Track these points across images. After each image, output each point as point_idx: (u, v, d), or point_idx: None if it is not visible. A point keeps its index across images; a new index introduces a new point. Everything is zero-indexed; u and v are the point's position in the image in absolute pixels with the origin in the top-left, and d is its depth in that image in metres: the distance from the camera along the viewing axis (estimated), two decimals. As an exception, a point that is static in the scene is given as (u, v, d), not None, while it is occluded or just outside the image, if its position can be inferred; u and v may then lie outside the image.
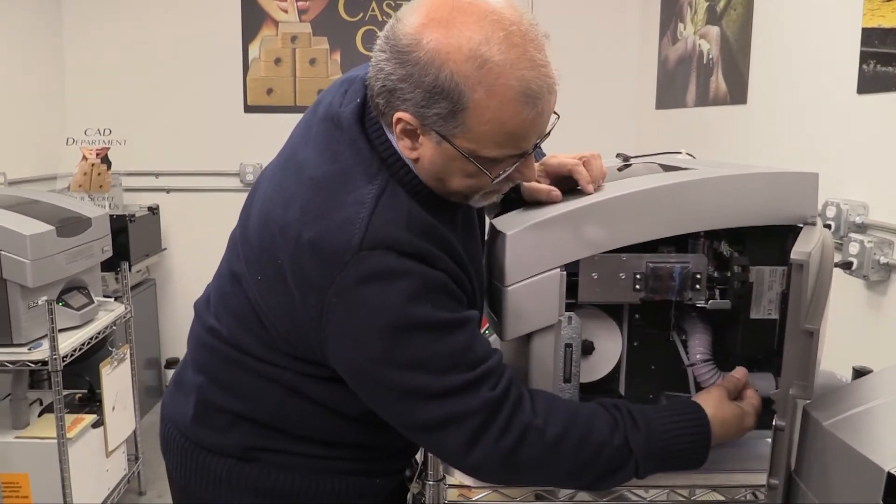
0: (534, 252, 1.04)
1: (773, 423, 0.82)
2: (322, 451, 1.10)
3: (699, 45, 3.13)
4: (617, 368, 1.19)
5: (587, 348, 1.14)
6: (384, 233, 0.92)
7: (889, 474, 0.65)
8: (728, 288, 1.12)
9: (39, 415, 2.54)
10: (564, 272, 1.05)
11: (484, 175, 0.96)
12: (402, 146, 0.96)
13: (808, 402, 0.82)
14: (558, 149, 1.20)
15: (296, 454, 1.09)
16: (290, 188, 1.00)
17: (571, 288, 1.08)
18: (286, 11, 3.82)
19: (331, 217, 0.93)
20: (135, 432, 2.86)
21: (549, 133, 0.98)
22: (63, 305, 2.38)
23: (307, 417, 1.08)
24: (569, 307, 1.08)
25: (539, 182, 1.12)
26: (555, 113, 0.97)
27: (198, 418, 1.13)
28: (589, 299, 1.09)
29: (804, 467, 0.81)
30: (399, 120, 0.93)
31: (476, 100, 0.88)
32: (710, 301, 1.12)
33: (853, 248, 1.92)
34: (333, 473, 1.11)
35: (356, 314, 0.92)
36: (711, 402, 1.05)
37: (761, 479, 0.88)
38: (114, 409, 2.62)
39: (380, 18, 3.84)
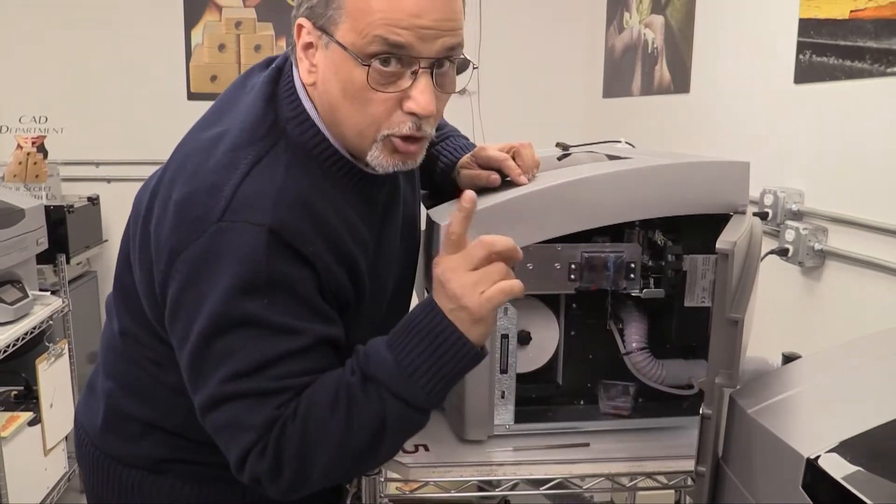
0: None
1: (700, 412, 0.82)
2: None
3: (644, 35, 3.16)
4: (554, 358, 1.19)
5: (524, 339, 1.14)
6: (249, 204, 0.84)
7: (808, 460, 0.66)
8: (662, 277, 1.13)
9: (-28, 413, 2.45)
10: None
11: (371, 93, 0.86)
12: (303, 70, 0.91)
13: (734, 389, 0.83)
14: (509, 137, 1.18)
15: (210, 465, 1.00)
16: (175, 153, 0.95)
17: (507, 278, 1.07)
18: (230, -4, 3.73)
19: (200, 179, 0.87)
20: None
21: (449, 59, 0.89)
22: (-6, 300, 2.29)
23: None
24: (505, 297, 1.08)
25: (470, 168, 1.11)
26: (471, 62, 0.95)
27: (107, 426, 1.07)
28: (525, 290, 1.09)
29: (730, 454, 0.82)
30: (299, 29, 0.90)
31: None
32: (645, 290, 1.13)
33: (789, 235, 1.96)
34: None
35: (192, 288, 0.84)
36: (434, 288, 0.88)
37: (691, 465, 0.89)
38: (52, 405, 2.54)
39: (326, 5, 3.78)
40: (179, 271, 0.86)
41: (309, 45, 0.89)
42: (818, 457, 0.66)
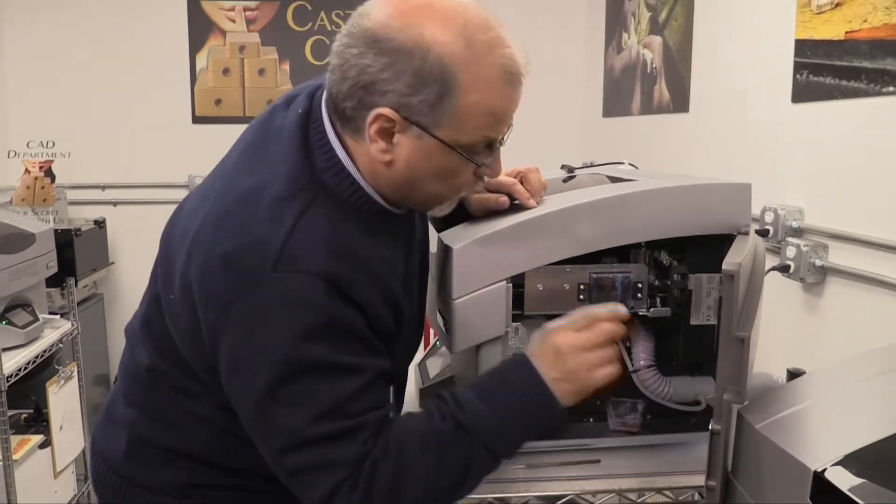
0: (480, 265, 1.06)
1: (710, 427, 0.85)
2: (263, 485, 1.02)
3: (643, 55, 3.21)
4: (564, 376, 1.22)
5: (535, 358, 1.17)
6: (302, 254, 0.87)
7: (815, 473, 0.69)
8: (668, 296, 1.16)
9: (-17, 437, 2.47)
10: (511, 284, 1.08)
11: (461, 170, 0.94)
12: (374, 150, 0.91)
13: (741, 405, 0.86)
14: (510, 157, 1.21)
15: (236, 488, 1.04)
16: (209, 200, 0.95)
17: (518, 299, 1.10)
18: (234, 21, 3.79)
19: (248, 231, 0.89)
20: (84, 452, 2.80)
21: (511, 126, 0.97)
22: (6, 324, 2.32)
23: (242, 453, 0.99)
24: (515, 318, 1.11)
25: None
26: None
27: (131, 454, 1.07)
28: (535, 310, 1.12)
29: (739, 468, 0.85)
30: (378, 117, 0.89)
31: (464, 81, 0.87)
32: (652, 309, 1.16)
33: (790, 252, 1.99)
34: None
35: (252, 339, 0.87)
36: (539, 350, 0.96)
37: (701, 480, 0.92)
38: (61, 428, 2.56)
39: (329, 28, 3.84)
40: (234, 323, 0.87)
41: (386, 131, 0.90)
42: (825, 469, 0.68)
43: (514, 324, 1.10)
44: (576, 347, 0.93)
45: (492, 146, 0.94)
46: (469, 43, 0.86)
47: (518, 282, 1.09)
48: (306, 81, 1.09)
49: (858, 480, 0.67)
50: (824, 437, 0.78)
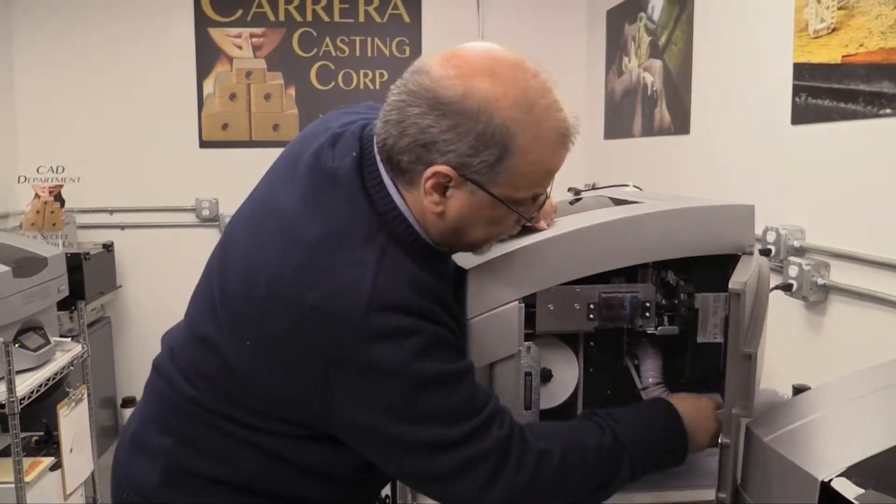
0: (493, 286, 1.09)
1: (719, 441, 0.88)
2: None
3: (643, 78, 3.26)
4: (574, 394, 1.25)
5: (546, 376, 1.20)
6: (390, 294, 0.91)
7: (822, 483, 0.72)
8: (676, 314, 1.19)
9: (-6, 459, 2.49)
10: (523, 304, 1.11)
11: (507, 219, 0.99)
12: (428, 202, 0.96)
13: (749, 419, 0.89)
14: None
15: None
16: (275, 247, 0.96)
17: (529, 319, 1.13)
18: (241, 48, 3.86)
19: (333, 279, 0.92)
20: (93, 474, 2.81)
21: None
22: (19, 347, 2.35)
23: (291, 479, 1.03)
24: (527, 337, 1.14)
25: None
26: None
27: (167, 484, 1.06)
28: (546, 329, 1.15)
29: (748, 481, 0.88)
30: (435, 174, 0.93)
31: (522, 144, 0.91)
32: (660, 327, 1.19)
33: (792, 271, 2.02)
34: None
35: (367, 375, 0.91)
36: (677, 398, 1.13)
37: (712, 494, 0.95)
38: (71, 450, 2.58)
39: (333, 54, 3.90)
40: (344, 369, 0.91)
41: (442, 185, 0.95)
42: (831, 479, 0.71)
43: (526, 343, 1.13)
44: (714, 420, 1.08)
45: (537, 198, 1.00)
46: (529, 108, 0.91)
47: (530, 301, 1.12)
48: (339, 109, 1.14)
49: (864, 489, 0.70)
50: (830, 449, 0.81)
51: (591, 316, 1.16)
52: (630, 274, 1.19)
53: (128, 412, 3.87)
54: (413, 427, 0.93)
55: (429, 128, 0.91)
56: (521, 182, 0.95)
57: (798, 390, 1.09)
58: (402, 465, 0.97)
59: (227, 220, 3.93)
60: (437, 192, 0.95)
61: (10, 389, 2.19)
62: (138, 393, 4.27)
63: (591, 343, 1.24)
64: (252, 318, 0.96)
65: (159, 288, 3.92)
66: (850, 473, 0.72)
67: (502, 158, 0.91)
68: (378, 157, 0.98)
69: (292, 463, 1.02)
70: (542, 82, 0.93)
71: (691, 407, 1.10)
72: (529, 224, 1.04)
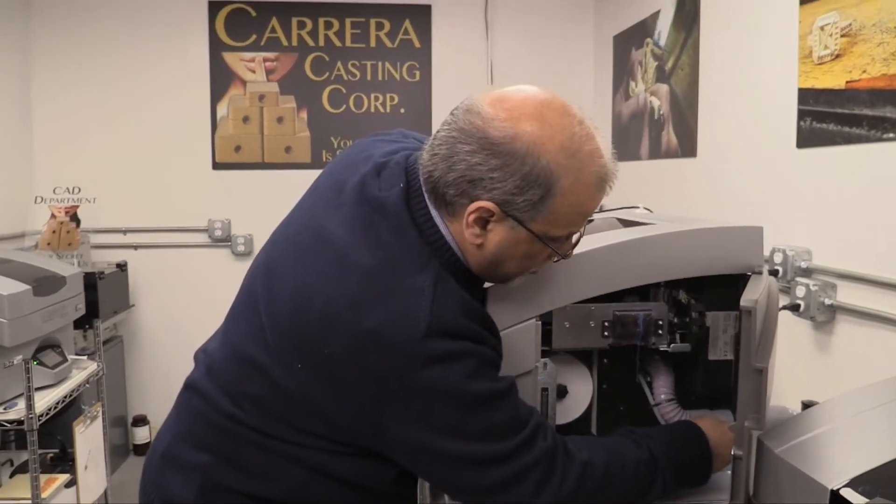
0: (512, 304, 1.13)
1: (732, 453, 0.92)
2: None
3: (650, 102, 3.32)
4: (589, 410, 1.28)
5: (561, 392, 1.24)
6: (444, 320, 0.96)
7: (832, 492, 0.75)
8: (687, 332, 1.23)
9: (11, 476, 2.52)
10: (539, 322, 1.15)
11: (543, 255, 1.04)
12: (469, 234, 1.00)
13: (761, 432, 0.92)
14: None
15: None
16: (328, 274, 1.00)
17: (546, 336, 1.17)
18: (254, 72, 3.93)
19: (390, 306, 0.96)
20: (106, 491, 2.84)
21: None
22: (38, 364, 2.39)
23: (327, 495, 1.06)
24: (544, 354, 1.17)
25: None
26: None
27: (201, 500, 1.08)
28: (562, 346, 1.19)
29: (760, 491, 0.91)
30: (479, 208, 0.97)
31: (564, 186, 0.96)
32: (672, 345, 1.23)
33: (800, 292, 2.05)
34: None
35: (423, 396, 0.96)
36: (701, 420, 1.16)
37: (724, 506, 0.98)
38: (86, 468, 2.61)
39: (345, 78, 3.98)
40: (399, 392, 0.96)
41: (484, 219, 0.99)
42: (840, 488, 0.75)
43: (543, 359, 1.17)
44: (730, 442, 1.08)
45: (571, 236, 1.05)
46: (574, 153, 0.96)
47: (546, 319, 1.16)
48: (373, 136, 1.18)
49: (872, 497, 0.73)
50: (839, 459, 0.84)
51: (606, 333, 1.19)
52: (643, 293, 1.23)
53: (139, 431, 3.90)
54: (465, 444, 0.97)
55: (477, 165, 0.96)
56: (560, 221, 0.99)
57: (807, 406, 1.12)
58: (454, 480, 1.01)
59: (239, 240, 4.00)
60: (479, 225, 0.99)
61: (30, 406, 2.23)
62: (149, 411, 4.28)
63: (605, 360, 1.28)
64: (304, 341, 0.99)
65: (171, 307, 3.97)
66: (859, 482, 0.75)
67: (544, 198, 0.96)
68: (423, 188, 1.03)
69: (333, 477, 1.05)
70: (586, 129, 0.98)
71: (713, 430, 1.14)
72: (562, 260, 1.08)
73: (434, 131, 1.03)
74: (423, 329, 0.94)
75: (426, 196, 1.03)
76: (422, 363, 0.94)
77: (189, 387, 1.16)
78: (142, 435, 3.91)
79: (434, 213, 1.03)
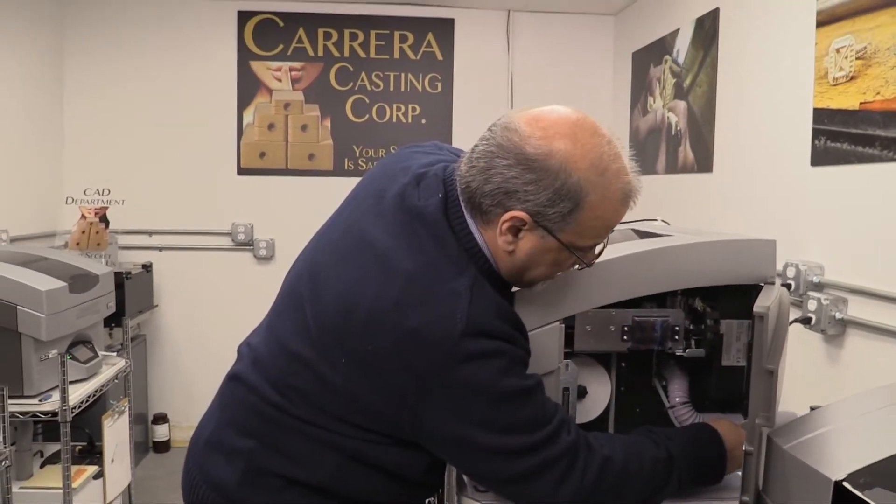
0: (536, 307, 1.20)
1: (744, 449, 0.98)
2: None
3: (668, 118, 3.39)
4: (606, 411, 1.35)
5: (581, 392, 1.30)
6: (481, 322, 1.03)
7: (835, 483, 0.82)
8: (702, 338, 1.29)
9: (41, 466, 2.61)
10: (563, 325, 1.21)
11: (568, 263, 1.12)
12: (501, 241, 1.08)
13: (771, 429, 0.98)
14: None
15: None
16: (372, 278, 1.07)
17: (568, 338, 1.24)
18: (280, 80, 4.03)
19: (431, 308, 1.03)
20: (130, 485, 2.92)
21: None
22: (71, 359, 2.48)
23: (363, 481, 1.13)
24: (566, 355, 1.24)
25: None
26: None
27: (245, 483, 1.14)
28: (583, 348, 1.26)
29: (769, 485, 0.97)
30: (512, 217, 1.05)
31: (592, 201, 1.03)
32: (688, 350, 1.29)
33: (811, 305, 2.11)
34: None
35: (459, 391, 1.03)
36: (717, 423, 1.22)
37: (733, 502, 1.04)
38: (113, 461, 2.69)
39: (368, 88, 4.07)
40: (436, 387, 1.03)
41: (516, 228, 1.07)
42: (844, 479, 0.81)
43: (565, 360, 1.24)
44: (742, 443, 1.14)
45: (595, 246, 1.13)
46: (603, 171, 1.04)
47: (569, 322, 1.23)
48: (409, 147, 1.25)
49: (875, 489, 0.79)
50: (843, 454, 0.91)
51: (625, 337, 1.26)
52: (661, 300, 1.30)
53: (158, 428, 3.98)
54: (496, 436, 1.04)
55: (513, 178, 1.04)
56: (587, 233, 1.07)
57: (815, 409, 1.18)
58: (484, 469, 1.08)
59: (262, 244, 4.11)
60: (511, 233, 1.07)
61: (64, 398, 2.32)
62: (170, 410, 4.37)
63: (623, 363, 1.34)
64: (349, 338, 1.06)
65: (194, 308, 4.06)
66: (862, 474, 0.81)
67: (573, 211, 1.04)
68: (461, 198, 1.10)
69: (370, 464, 1.12)
70: (614, 148, 1.06)
71: (729, 433, 1.20)
72: (585, 268, 1.16)
73: (454, 142, 1.12)
74: (460, 329, 1.02)
75: (463, 205, 1.10)
76: (459, 361, 1.02)
77: (234, 378, 1.23)
78: (161, 433, 4.00)
79: (470, 221, 1.10)
